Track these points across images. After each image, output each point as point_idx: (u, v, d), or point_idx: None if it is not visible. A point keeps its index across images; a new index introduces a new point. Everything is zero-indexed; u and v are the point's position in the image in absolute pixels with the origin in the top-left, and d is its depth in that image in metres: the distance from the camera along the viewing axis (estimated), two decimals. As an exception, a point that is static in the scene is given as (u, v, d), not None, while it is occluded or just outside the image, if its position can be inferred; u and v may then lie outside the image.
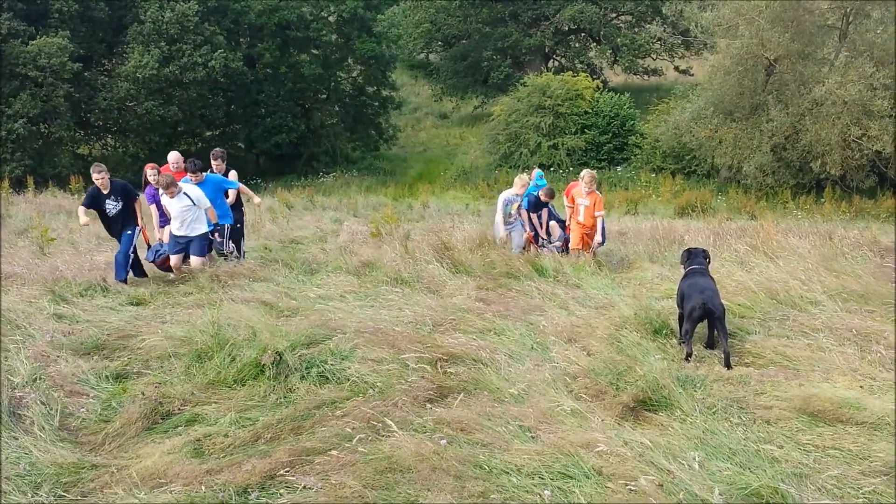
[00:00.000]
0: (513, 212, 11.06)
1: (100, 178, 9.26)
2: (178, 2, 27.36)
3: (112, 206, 9.39)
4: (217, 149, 10.98)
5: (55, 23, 25.79)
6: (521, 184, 10.95)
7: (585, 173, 10.74)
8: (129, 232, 9.43)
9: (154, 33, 27.02)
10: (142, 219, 9.72)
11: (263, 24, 30.85)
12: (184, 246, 9.41)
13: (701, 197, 22.99)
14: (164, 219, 9.98)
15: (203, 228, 9.43)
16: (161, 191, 9.39)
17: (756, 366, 5.93)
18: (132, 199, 9.58)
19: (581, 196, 10.59)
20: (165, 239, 9.96)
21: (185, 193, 9.18)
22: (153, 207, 10.39)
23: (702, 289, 6.23)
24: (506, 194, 11.10)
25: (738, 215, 20.11)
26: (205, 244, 9.52)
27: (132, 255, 9.42)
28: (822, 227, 12.72)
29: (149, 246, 10.15)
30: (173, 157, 10.81)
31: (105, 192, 9.35)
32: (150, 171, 10.46)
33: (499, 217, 11.09)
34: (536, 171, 12.20)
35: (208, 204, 9.46)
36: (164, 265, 9.78)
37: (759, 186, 24.44)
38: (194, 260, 9.43)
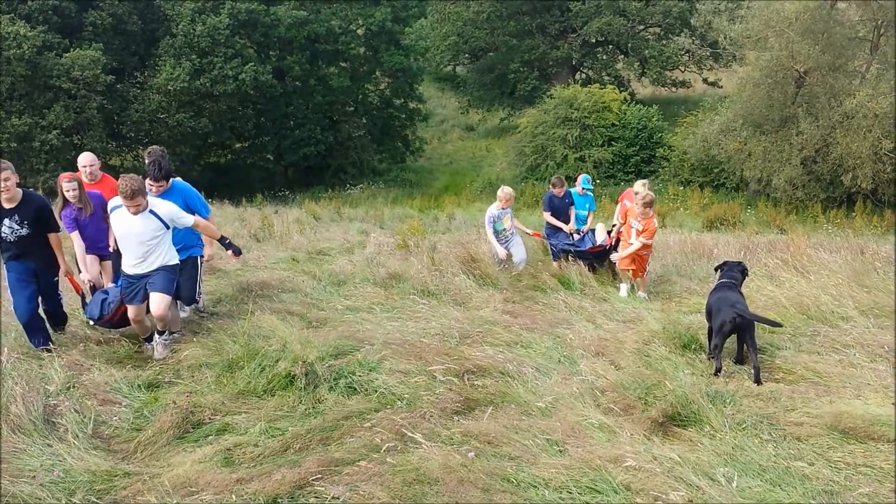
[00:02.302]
0: (507, 226, 10.36)
1: (6, 182, 6.08)
2: (209, 15, 27.70)
3: (11, 230, 6.25)
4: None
5: (89, 35, 26.17)
6: (506, 197, 10.12)
7: (640, 197, 9.12)
8: (56, 285, 6.78)
9: (186, 46, 27.35)
10: (65, 261, 6.74)
11: (293, 38, 31.09)
12: (142, 287, 6.28)
13: (730, 210, 22.72)
14: (99, 247, 7.29)
15: (173, 259, 6.45)
16: (119, 203, 6.09)
17: (786, 382, 5.88)
18: (47, 229, 6.49)
19: (635, 219, 9.28)
20: (91, 273, 7.13)
21: (151, 211, 6.15)
22: (75, 236, 7.02)
23: (732, 302, 6.19)
24: (492, 210, 10.27)
25: (768, 229, 19.89)
26: (171, 279, 6.37)
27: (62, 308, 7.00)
28: (854, 242, 12.56)
29: (83, 299, 7.06)
30: (86, 158, 7.54)
31: (9, 206, 6.22)
32: (66, 184, 6.95)
33: (490, 235, 10.27)
34: (583, 176, 11.36)
35: (190, 219, 6.46)
36: (117, 320, 6.63)
37: (789, 200, 24.13)
38: (156, 299, 6.18)
